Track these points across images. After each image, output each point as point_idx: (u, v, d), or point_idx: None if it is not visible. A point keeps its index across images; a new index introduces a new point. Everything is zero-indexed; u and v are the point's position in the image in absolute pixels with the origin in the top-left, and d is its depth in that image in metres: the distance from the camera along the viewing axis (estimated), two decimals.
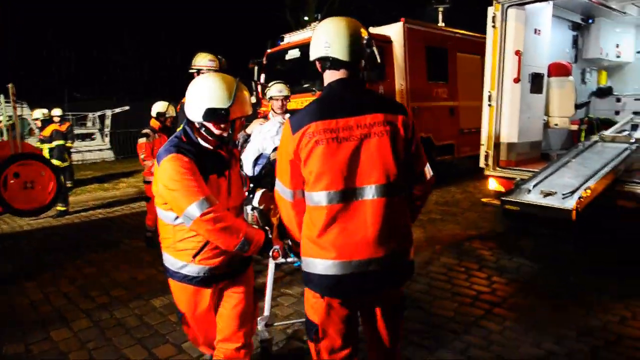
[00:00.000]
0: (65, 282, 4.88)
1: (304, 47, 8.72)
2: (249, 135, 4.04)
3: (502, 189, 5.72)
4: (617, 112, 7.42)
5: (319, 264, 1.97)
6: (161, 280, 4.79)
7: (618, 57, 7.44)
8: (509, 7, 5.60)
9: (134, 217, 8.04)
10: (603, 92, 7.57)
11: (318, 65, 2.06)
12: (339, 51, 1.96)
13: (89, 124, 17.69)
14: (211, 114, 2.21)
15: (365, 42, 2.01)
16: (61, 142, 8.69)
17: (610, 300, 4.02)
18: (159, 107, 6.00)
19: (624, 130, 6.33)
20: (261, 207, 3.21)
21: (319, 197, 1.94)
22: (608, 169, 4.72)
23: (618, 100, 7.45)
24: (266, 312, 3.32)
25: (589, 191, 4.29)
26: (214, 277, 2.38)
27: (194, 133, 2.32)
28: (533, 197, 4.52)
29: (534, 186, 4.70)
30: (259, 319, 3.10)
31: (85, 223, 7.80)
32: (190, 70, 4.45)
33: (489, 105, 5.91)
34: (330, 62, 1.99)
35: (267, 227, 2.42)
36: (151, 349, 3.45)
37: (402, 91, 8.92)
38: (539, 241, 5.72)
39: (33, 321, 3.99)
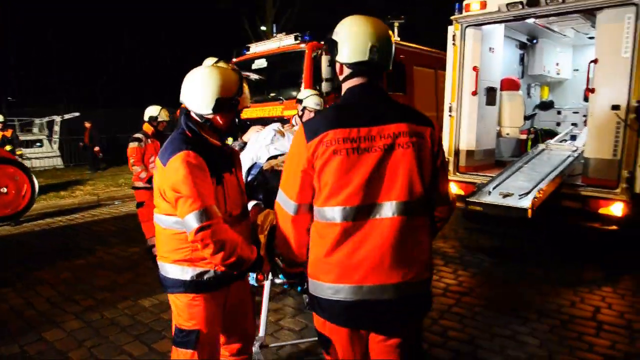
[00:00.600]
0: (44, 288, 4.84)
1: (271, 57, 9.01)
2: (245, 143, 3.91)
3: (463, 193, 6.22)
4: (558, 124, 8.20)
5: (327, 288, 1.79)
6: (144, 282, 4.91)
7: (558, 74, 8.25)
8: (467, 27, 6.15)
9: (98, 224, 7.93)
10: (546, 106, 8.35)
11: (341, 68, 1.88)
12: (384, 57, 1.84)
13: (35, 130, 17.00)
14: (221, 105, 2.14)
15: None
16: (8, 147, 8.41)
17: (562, 287, 4.57)
18: (151, 111, 5.83)
19: (565, 140, 7.08)
20: (252, 223, 2.99)
21: (332, 213, 1.76)
22: (556, 173, 5.31)
23: (559, 112, 8.25)
24: (261, 333, 3.12)
25: (541, 192, 4.84)
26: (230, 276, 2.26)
27: (198, 129, 2.20)
28: (493, 198, 5.01)
29: (493, 188, 5.21)
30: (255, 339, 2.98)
31: (47, 231, 7.60)
32: None
33: (450, 115, 6.42)
34: (366, 67, 1.83)
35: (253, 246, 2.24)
36: (150, 344, 3.58)
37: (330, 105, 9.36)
38: (496, 239, 6.28)
39: (20, 325, 3.99)
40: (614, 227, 4.99)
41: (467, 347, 3.45)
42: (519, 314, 3.97)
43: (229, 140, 4.03)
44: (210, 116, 2.18)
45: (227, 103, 2.16)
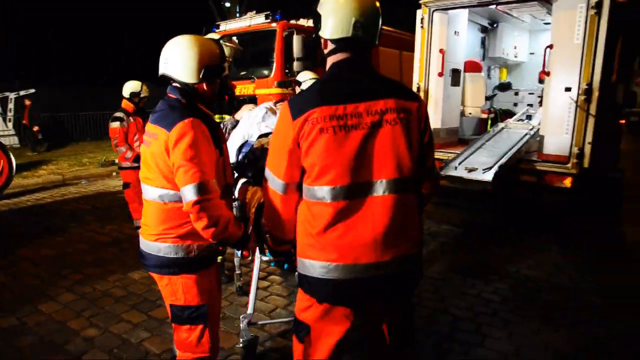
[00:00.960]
0: (27, 265, 4.91)
1: (242, 36, 9.06)
2: (237, 121, 3.91)
3: None
4: (515, 104, 8.73)
5: (318, 267, 1.78)
6: (130, 256, 5.04)
7: (516, 57, 8.75)
8: (434, 10, 6.47)
9: (69, 204, 7.89)
10: (504, 87, 8.86)
11: (325, 42, 1.84)
12: (370, 32, 1.79)
13: None
14: (209, 73, 2.15)
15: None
16: None
17: (519, 252, 5.07)
18: (132, 86, 5.55)
19: (522, 119, 7.60)
20: (240, 200, 2.98)
21: (322, 193, 1.74)
22: (515, 150, 5.78)
23: (516, 93, 8.77)
24: (250, 310, 3.15)
25: (502, 167, 5.29)
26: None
27: (190, 98, 2.18)
28: (460, 172, 5.43)
29: (459, 164, 5.63)
30: (241, 317, 3.11)
31: (16, 211, 7.51)
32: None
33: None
34: (352, 42, 1.78)
35: (241, 223, 2.24)
36: (148, 312, 3.79)
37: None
38: (460, 212, 6.75)
39: (12, 299, 4.09)
40: (566, 199, 5.55)
41: (440, 305, 3.87)
42: (483, 277, 4.42)
43: (226, 117, 4.21)
44: (197, 85, 2.17)
45: (214, 71, 2.17)
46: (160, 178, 2.13)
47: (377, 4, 1.81)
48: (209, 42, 2.19)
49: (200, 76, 2.13)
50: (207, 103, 2.26)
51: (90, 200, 8.15)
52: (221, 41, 3.94)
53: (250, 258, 2.61)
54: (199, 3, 17.71)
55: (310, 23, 9.64)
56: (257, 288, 3.29)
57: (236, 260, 4.03)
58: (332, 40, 1.80)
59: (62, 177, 10.39)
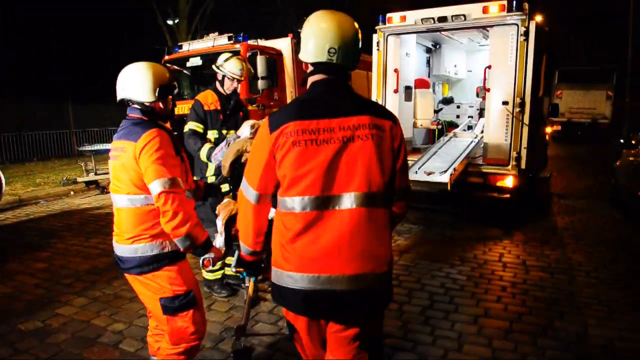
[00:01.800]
0: (25, 277, 5.08)
1: (206, 56, 9.53)
2: (238, 137, 3.89)
3: None
4: (457, 116, 9.81)
5: (286, 276, 1.84)
6: None
7: (456, 74, 9.87)
8: (389, 35, 7.33)
9: (38, 222, 7.88)
10: (447, 101, 9.92)
11: (305, 64, 1.94)
12: (346, 59, 1.87)
13: None
14: (163, 91, 2.48)
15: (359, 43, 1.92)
16: None
17: (474, 241, 5.92)
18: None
19: (465, 130, 8.63)
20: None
21: (292, 203, 1.80)
22: (464, 155, 6.71)
23: (458, 107, 9.86)
24: (244, 320, 3.18)
25: (455, 170, 6.16)
26: None
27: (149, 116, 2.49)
28: (420, 176, 6.25)
29: (419, 169, 6.45)
30: (236, 327, 3.15)
31: None
32: (218, 72, 4.31)
33: None
34: (327, 66, 1.87)
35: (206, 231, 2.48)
36: None
37: (292, 96, 10.27)
38: (420, 212, 7.55)
39: (25, 307, 4.32)
40: (508, 196, 6.49)
41: (416, 285, 4.59)
42: (448, 262, 5.21)
43: (231, 133, 4.65)
44: (154, 103, 2.49)
45: (166, 89, 2.49)
46: (130, 186, 2.42)
47: (355, 31, 1.89)
48: (159, 66, 2.54)
49: (156, 94, 2.46)
50: (164, 119, 2.58)
51: (59, 218, 8.19)
52: (236, 57, 4.26)
53: (211, 267, 2.73)
54: (149, 23, 17.85)
55: (270, 44, 10.30)
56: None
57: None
58: (310, 63, 1.91)
59: (18, 198, 10.24)
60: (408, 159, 6.50)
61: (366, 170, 1.79)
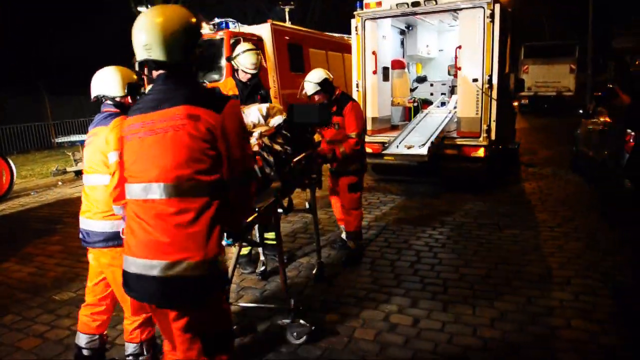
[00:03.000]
0: (44, 258, 5.42)
1: None
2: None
3: (371, 151, 7.98)
4: (431, 94, 10.40)
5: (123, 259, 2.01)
6: None
7: (428, 54, 10.43)
8: (366, 19, 7.80)
9: (36, 211, 8.10)
10: (421, 80, 10.50)
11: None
12: (166, 53, 1.88)
13: None
14: (131, 88, 2.87)
15: (191, 34, 1.94)
16: None
17: (451, 207, 6.55)
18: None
19: (438, 106, 9.23)
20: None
21: (127, 190, 2.00)
22: (440, 130, 7.31)
23: (431, 85, 10.45)
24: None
25: (433, 143, 6.75)
26: None
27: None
28: (401, 150, 6.83)
29: (399, 143, 7.03)
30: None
31: None
32: (234, 63, 4.52)
33: (357, 90, 8.08)
34: (150, 63, 1.92)
35: None
36: None
37: (274, 81, 10.68)
38: (402, 185, 8.16)
39: (53, 282, 4.70)
40: (480, 165, 7.14)
41: (404, 245, 5.20)
42: (429, 225, 5.83)
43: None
44: (124, 98, 2.87)
45: (134, 86, 2.88)
46: (103, 166, 2.74)
47: (171, 25, 1.88)
48: (126, 69, 2.95)
49: (125, 90, 2.87)
50: None
51: (58, 207, 8.44)
52: (251, 51, 4.44)
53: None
54: (126, 12, 17.68)
55: (250, 30, 10.64)
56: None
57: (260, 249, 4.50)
58: (137, 62, 1.98)
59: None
60: (388, 135, 7.12)
61: (174, 160, 1.84)
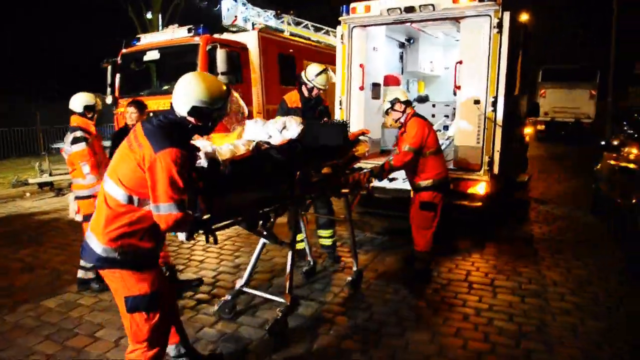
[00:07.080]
0: None
1: (164, 49, 8.84)
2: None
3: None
4: (433, 115, 9.22)
5: None
6: (45, 282, 4.72)
7: (432, 70, 9.28)
8: (354, 27, 6.71)
9: None
10: (422, 99, 9.32)
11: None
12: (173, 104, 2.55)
13: None
14: (88, 108, 3.23)
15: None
16: None
17: (438, 256, 5.29)
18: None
19: (439, 130, 8.05)
20: None
21: None
22: None
23: (433, 105, 9.28)
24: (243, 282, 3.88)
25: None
26: None
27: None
28: (383, 182, 5.68)
29: None
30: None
31: None
32: (305, 80, 4.82)
33: (340, 108, 6.97)
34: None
35: None
36: (63, 342, 3.56)
37: (258, 94, 9.63)
38: (382, 221, 6.97)
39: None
40: (479, 204, 5.91)
41: (365, 314, 3.99)
42: (406, 283, 4.61)
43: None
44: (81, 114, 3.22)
45: (89, 107, 3.14)
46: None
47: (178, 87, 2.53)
48: (89, 94, 3.68)
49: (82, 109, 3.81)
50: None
51: (1, 223, 7.50)
52: (325, 72, 4.78)
53: None
54: (120, 14, 17.03)
55: (234, 38, 9.64)
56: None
57: (307, 248, 4.80)
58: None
59: None
60: (374, 162, 6.00)
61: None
